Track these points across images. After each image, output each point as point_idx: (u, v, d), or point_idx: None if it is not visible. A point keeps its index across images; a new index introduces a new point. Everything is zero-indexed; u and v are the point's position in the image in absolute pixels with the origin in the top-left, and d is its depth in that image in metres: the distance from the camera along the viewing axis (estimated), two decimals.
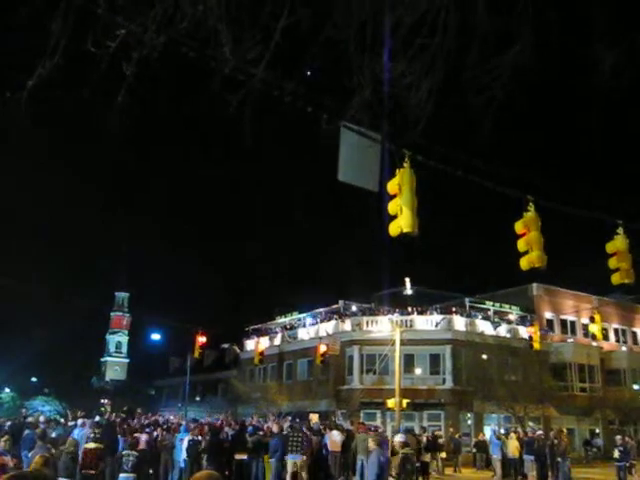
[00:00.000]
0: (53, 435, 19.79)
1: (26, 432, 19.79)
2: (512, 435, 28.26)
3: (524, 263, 12.48)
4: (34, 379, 75.19)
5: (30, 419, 23.90)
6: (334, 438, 22.14)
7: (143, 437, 20.66)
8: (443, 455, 30.29)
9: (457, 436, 34.68)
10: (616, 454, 23.26)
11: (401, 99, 6.09)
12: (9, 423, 22.44)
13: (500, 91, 5.78)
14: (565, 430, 30.08)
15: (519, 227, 12.61)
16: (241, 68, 5.92)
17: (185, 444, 20.57)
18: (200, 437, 21.09)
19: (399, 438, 12.72)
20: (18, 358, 64.39)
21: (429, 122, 6.28)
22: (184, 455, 20.47)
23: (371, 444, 11.94)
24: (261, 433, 22.36)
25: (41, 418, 24.49)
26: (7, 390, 70.44)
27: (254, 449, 21.10)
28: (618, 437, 24.81)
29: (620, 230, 13.93)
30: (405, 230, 10.07)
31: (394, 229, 10.26)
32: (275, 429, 21.41)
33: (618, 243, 13.88)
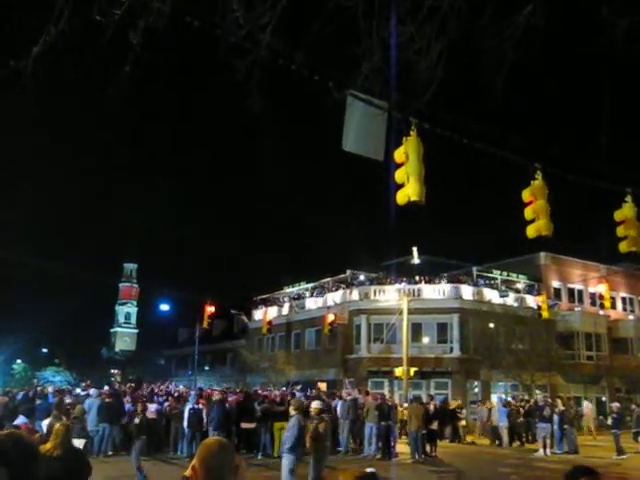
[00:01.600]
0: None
1: (38, 402, 20.12)
2: (490, 403, 28.51)
3: (531, 231, 12.48)
4: (45, 350, 75.95)
5: (40, 389, 24.28)
6: (347, 406, 22.49)
7: (153, 407, 20.93)
8: (463, 423, 30.52)
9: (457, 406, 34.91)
10: (609, 421, 23.47)
11: (410, 64, 6.03)
12: (22, 393, 22.75)
13: (512, 52, 5.71)
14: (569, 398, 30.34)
15: (526, 195, 12.57)
16: (252, 35, 5.87)
17: (186, 413, 20.75)
18: (202, 406, 21.27)
19: (315, 404, 12.85)
20: (30, 330, 64.99)
21: (436, 91, 6.22)
22: (185, 424, 20.63)
23: (291, 409, 12.10)
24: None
25: (50, 388, 24.85)
26: (19, 361, 71.24)
27: (262, 418, 21.35)
28: (615, 404, 25.02)
29: (628, 198, 13.85)
30: (413, 199, 10.04)
31: (402, 198, 10.24)
32: (216, 397, 21.49)
33: (626, 211, 13.82)
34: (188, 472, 3.01)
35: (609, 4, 5.33)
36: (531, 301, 43.11)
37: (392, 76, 6.80)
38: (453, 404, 31.10)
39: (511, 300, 43.48)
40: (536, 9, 5.33)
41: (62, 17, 5.24)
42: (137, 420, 16.77)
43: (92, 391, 21.83)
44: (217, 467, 2.97)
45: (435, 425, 24.40)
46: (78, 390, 23.86)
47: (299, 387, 29.18)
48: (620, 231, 13.89)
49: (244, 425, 21.19)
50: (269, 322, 43.97)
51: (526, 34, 5.70)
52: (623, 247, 13.91)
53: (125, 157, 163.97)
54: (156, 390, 28.16)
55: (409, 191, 10.12)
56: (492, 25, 5.43)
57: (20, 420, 9.70)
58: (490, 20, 5.38)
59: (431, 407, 25.88)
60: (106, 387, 25.54)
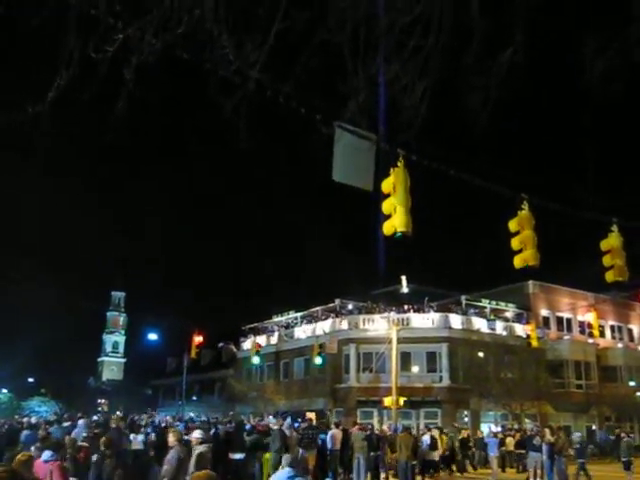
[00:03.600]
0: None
1: (24, 433, 19.89)
2: (435, 431, 28.28)
3: (518, 261, 12.57)
4: (31, 379, 75.13)
5: (25, 419, 24.03)
6: (336, 436, 22.30)
7: (139, 437, 20.67)
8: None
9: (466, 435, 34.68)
10: (571, 452, 22.93)
11: (396, 100, 6.16)
12: (8, 424, 22.51)
13: (495, 91, 5.85)
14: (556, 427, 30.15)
15: (513, 225, 12.68)
16: (240, 70, 5.98)
17: None
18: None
19: (196, 434, 12.53)
20: (15, 359, 64.41)
21: (424, 122, 6.35)
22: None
23: (171, 440, 11.71)
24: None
25: (33, 419, 24.57)
26: (4, 391, 70.39)
27: (251, 448, 21.13)
28: (576, 434, 24.67)
29: (614, 228, 14.01)
30: (399, 229, 10.11)
31: (388, 228, 10.31)
32: (113, 425, 21.25)
33: (612, 240, 13.97)
34: None
35: (588, 46, 5.48)
36: (520, 330, 43.12)
37: (379, 111, 6.94)
38: (463, 433, 31.01)
39: (500, 329, 43.49)
40: (518, 48, 5.48)
41: (73, 60, 5.32)
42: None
43: (80, 421, 21.58)
44: None
45: (436, 455, 24.01)
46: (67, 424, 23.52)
47: (287, 418, 28.91)
48: (606, 260, 14.01)
49: (232, 455, 20.96)
50: (258, 351, 43.72)
51: (510, 70, 5.85)
52: (609, 277, 14.02)
53: (112, 186, 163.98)
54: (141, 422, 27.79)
55: (396, 222, 10.19)
56: (475, 64, 5.57)
57: (47, 456, 8.90)
58: (473, 60, 5.52)
59: (427, 437, 25.47)
60: (95, 417, 25.27)
